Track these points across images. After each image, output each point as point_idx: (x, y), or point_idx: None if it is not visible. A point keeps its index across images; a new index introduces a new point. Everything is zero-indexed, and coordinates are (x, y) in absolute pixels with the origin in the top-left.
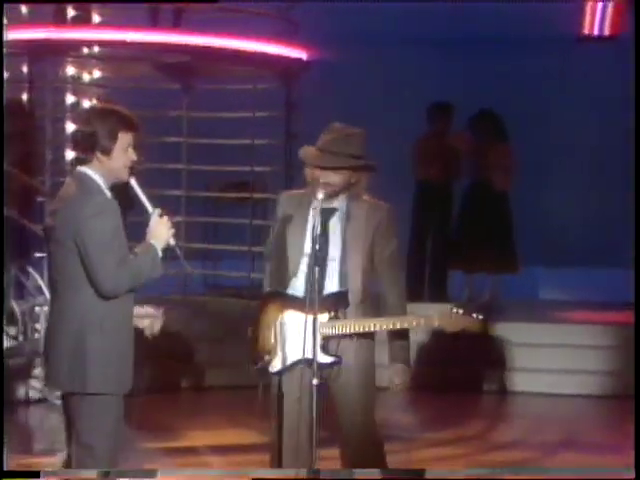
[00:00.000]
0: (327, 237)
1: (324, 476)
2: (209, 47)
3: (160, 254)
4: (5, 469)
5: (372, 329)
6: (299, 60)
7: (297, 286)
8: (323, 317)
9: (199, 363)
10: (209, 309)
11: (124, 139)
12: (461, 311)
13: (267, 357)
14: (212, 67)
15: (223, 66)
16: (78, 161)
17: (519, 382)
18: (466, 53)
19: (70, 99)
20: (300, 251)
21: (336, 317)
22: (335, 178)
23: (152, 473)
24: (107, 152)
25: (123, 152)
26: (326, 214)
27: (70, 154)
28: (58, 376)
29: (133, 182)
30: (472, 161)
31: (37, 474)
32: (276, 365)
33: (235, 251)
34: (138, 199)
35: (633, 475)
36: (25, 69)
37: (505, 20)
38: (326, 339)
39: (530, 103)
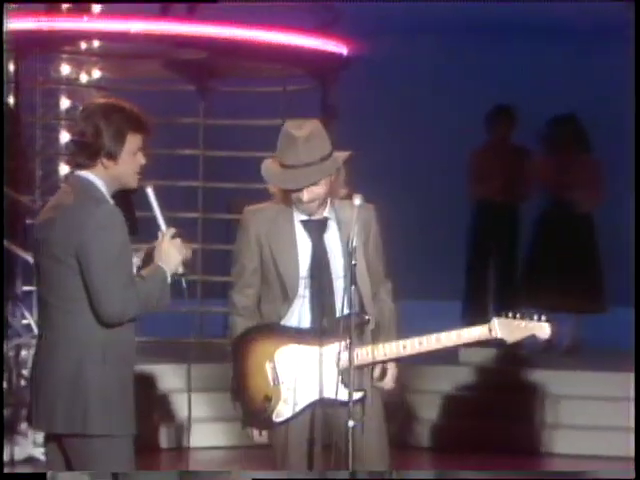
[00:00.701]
0: (327, 254)
1: (361, 476)
2: (230, 40)
3: (169, 280)
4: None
5: (412, 351)
6: (338, 55)
7: (296, 316)
8: (338, 346)
9: (218, 417)
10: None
11: (133, 141)
12: (518, 315)
13: (268, 405)
14: (233, 65)
15: (247, 64)
16: (77, 165)
17: (602, 443)
18: (534, 43)
19: (64, 103)
20: (296, 274)
21: (351, 345)
22: (319, 190)
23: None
24: (113, 156)
25: (132, 156)
26: (317, 228)
27: (64, 168)
28: (52, 415)
29: (150, 191)
30: (549, 177)
31: (42, 476)
32: (283, 412)
33: None
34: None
35: (633, 475)
36: (11, 67)
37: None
38: (346, 372)
39: (610, 105)
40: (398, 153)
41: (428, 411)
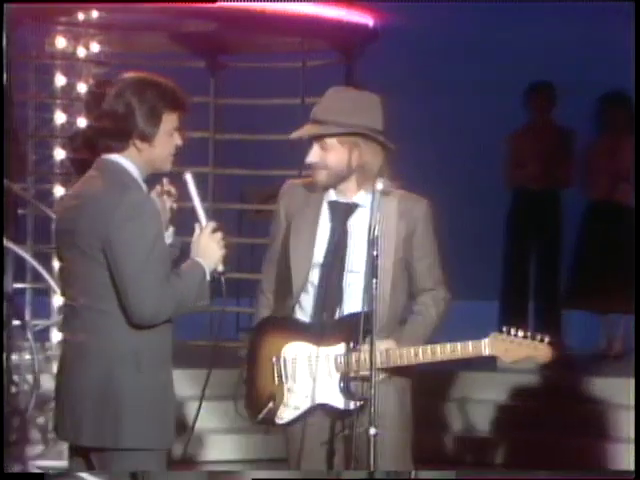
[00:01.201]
0: (346, 243)
1: (379, 476)
2: (243, 10)
3: (208, 277)
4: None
5: (408, 362)
6: (364, 27)
7: (303, 308)
8: (339, 348)
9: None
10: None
11: (169, 121)
12: (520, 333)
13: (270, 405)
14: (247, 38)
15: (262, 36)
16: (105, 148)
17: None
18: (573, 16)
19: (60, 80)
20: (308, 260)
21: (357, 348)
22: (325, 157)
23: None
24: (148, 138)
25: (167, 137)
26: (343, 211)
27: (60, 152)
28: (79, 427)
29: (189, 178)
30: (600, 162)
31: (41, 476)
32: (283, 415)
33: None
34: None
35: (633, 475)
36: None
37: None
38: (347, 377)
39: None
40: (429, 135)
41: (461, 422)
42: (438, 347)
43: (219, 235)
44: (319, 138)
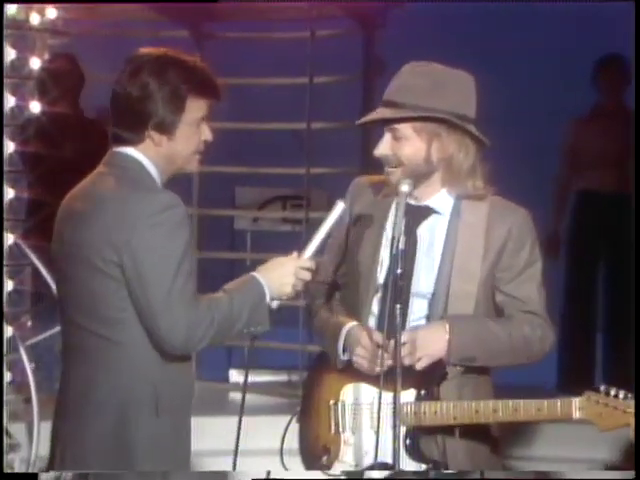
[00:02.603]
0: (414, 257)
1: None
2: None
3: (268, 301)
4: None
5: (485, 419)
6: None
7: None
8: (407, 395)
9: None
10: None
11: (195, 109)
12: (621, 394)
13: (325, 458)
14: (240, 1)
15: (260, 3)
16: (115, 139)
17: None
18: None
19: (10, 54)
20: (372, 279)
21: (428, 396)
22: (403, 149)
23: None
24: (166, 129)
25: (192, 129)
26: (414, 217)
27: (9, 145)
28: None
29: (340, 206)
30: None
31: (35, 476)
32: (339, 472)
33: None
34: None
35: (633, 475)
36: None
37: None
38: (415, 432)
39: None
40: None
41: None
42: (521, 403)
43: (305, 262)
44: (390, 125)
